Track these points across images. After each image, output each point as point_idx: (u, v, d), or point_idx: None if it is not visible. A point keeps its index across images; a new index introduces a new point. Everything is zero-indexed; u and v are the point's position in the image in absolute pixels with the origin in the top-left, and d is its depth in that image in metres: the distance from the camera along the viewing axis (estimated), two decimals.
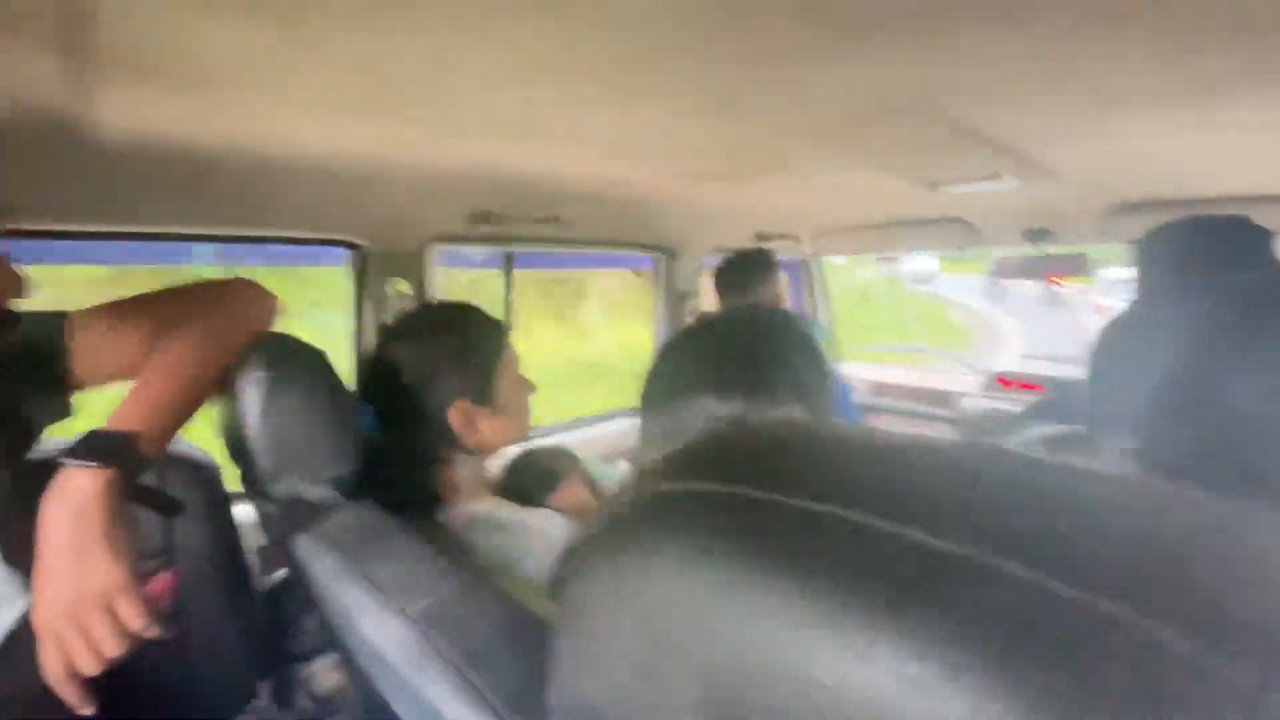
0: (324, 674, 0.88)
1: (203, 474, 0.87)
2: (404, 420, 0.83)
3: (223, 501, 0.89)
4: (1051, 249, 1.97)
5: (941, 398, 2.47)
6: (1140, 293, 1.12)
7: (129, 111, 0.85)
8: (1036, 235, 1.96)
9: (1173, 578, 0.15)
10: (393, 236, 1.37)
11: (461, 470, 0.86)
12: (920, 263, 15.89)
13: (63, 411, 0.67)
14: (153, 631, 0.55)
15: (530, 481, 0.99)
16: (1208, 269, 1.01)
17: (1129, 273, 1.14)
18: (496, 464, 1.00)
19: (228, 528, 0.89)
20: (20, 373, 0.62)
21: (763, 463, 0.21)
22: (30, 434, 0.66)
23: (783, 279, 1.74)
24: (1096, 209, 1.81)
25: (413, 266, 1.41)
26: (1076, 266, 1.97)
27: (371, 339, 1.33)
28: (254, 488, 0.77)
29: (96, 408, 0.65)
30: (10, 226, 0.95)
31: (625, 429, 2.01)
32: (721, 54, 0.75)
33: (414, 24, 0.63)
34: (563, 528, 0.83)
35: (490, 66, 0.76)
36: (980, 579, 0.15)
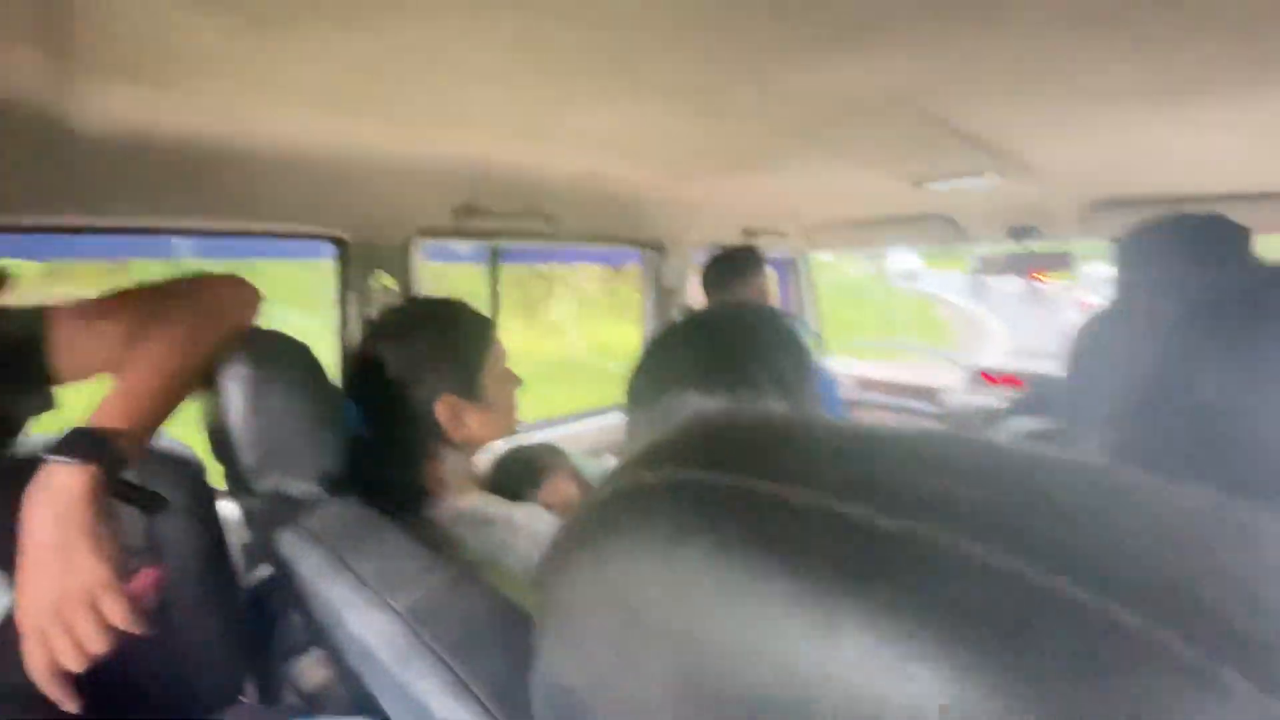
0: (310, 670, 0.87)
1: (186, 470, 0.86)
2: (390, 415, 0.83)
3: (207, 498, 0.88)
4: (1035, 245, 1.99)
5: (926, 393, 2.50)
6: (1119, 290, 1.14)
7: (110, 105, 0.84)
8: (1020, 232, 1.99)
9: (1124, 556, 0.16)
10: (377, 231, 1.36)
11: (449, 465, 0.86)
12: (904, 260, 16.01)
13: (45, 405, 0.66)
14: (137, 628, 0.55)
15: (518, 477, 0.99)
16: (1185, 267, 1.02)
17: (1111, 269, 1.16)
18: (484, 460, 1.00)
19: (212, 524, 0.88)
20: None
21: (738, 450, 0.21)
22: (12, 429, 0.65)
23: (770, 275, 1.74)
24: (1079, 205, 1.83)
25: (398, 261, 1.40)
26: (1060, 263, 1.99)
27: (356, 334, 1.32)
28: (238, 484, 0.77)
29: (79, 405, 0.65)
30: None
31: (611, 425, 2.01)
32: (708, 51, 0.75)
33: (399, 19, 0.63)
34: (549, 522, 0.84)
35: (476, 62, 0.76)
36: (945, 558, 0.16)
